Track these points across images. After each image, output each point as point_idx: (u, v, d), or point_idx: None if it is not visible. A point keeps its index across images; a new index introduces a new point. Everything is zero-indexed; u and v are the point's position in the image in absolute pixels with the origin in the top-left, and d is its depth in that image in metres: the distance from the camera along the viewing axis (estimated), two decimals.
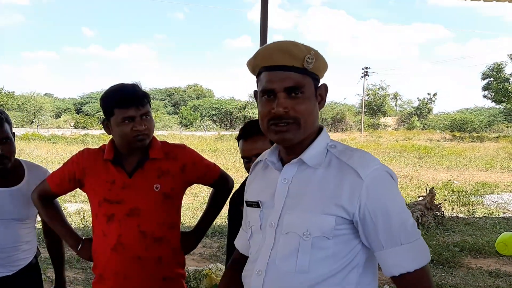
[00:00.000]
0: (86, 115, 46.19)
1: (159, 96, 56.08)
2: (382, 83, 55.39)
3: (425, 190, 7.97)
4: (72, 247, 1.98)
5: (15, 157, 2.09)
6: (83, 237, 1.99)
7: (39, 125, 39.76)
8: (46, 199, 2.01)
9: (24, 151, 16.93)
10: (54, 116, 47.39)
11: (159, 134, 31.21)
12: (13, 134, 2.06)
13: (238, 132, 1.91)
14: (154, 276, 1.86)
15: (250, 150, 1.78)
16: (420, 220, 6.88)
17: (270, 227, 1.26)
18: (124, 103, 1.79)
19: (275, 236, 1.24)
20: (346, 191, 1.17)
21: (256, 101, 1.32)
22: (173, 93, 59.37)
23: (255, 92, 1.32)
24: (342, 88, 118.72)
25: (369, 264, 1.25)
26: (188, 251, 2.02)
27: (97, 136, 26.55)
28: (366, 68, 52.63)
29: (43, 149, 20.32)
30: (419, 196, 8.07)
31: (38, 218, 2.18)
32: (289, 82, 1.19)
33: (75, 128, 40.74)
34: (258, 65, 1.25)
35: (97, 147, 1.97)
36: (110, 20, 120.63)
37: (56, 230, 2.03)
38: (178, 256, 1.97)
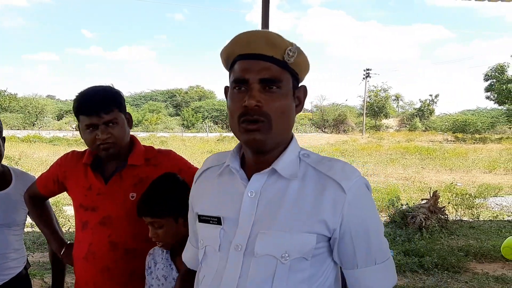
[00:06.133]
0: None
1: (161, 98, 55.96)
2: (384, 84, 55.28)
3: (428, 193, 7.91)
4: (56, 251, 1.94)
5: (3, 164, 2.05)
6: (68, 242, 1.93)
7: (41, 127, 39.71)
8: (37, 200, 1.98)
9: (25, 153, 16.89)
10: (56, 118, 47.17)
11: (161, 135, 31.16)
12: (3, 138, 2.00)
13: None
14: None
15: None
16: (423, 224, 6.80)
17: (236, 250, 1.08)
18: (86, 110, 1.68)
19: (243, 261, 1.07)
20: (328, 205, 1.05)
21: (226, 98, 1.14)
22: (175, 95, 59.13)
23: (226, 88, 1.15)
24: (343, 89, 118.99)
25: (337, 283, 1.17)
26: None
27: None
28: (368, 69, 52.48)
29: (44, 151, 20.31)
30: (422, 199, 8.02)
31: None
32: (266, 73, 1.04)
33: (76, 130, 40.48)
34: (233, 53, 1.09)
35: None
36: (109, 22, 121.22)
37: (42, 231, 1.99)
38: None
